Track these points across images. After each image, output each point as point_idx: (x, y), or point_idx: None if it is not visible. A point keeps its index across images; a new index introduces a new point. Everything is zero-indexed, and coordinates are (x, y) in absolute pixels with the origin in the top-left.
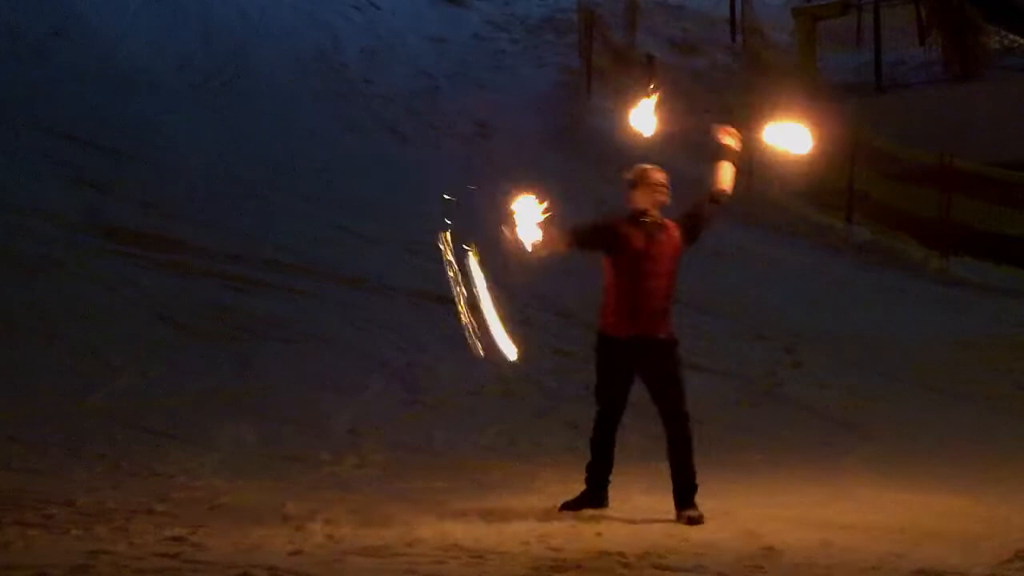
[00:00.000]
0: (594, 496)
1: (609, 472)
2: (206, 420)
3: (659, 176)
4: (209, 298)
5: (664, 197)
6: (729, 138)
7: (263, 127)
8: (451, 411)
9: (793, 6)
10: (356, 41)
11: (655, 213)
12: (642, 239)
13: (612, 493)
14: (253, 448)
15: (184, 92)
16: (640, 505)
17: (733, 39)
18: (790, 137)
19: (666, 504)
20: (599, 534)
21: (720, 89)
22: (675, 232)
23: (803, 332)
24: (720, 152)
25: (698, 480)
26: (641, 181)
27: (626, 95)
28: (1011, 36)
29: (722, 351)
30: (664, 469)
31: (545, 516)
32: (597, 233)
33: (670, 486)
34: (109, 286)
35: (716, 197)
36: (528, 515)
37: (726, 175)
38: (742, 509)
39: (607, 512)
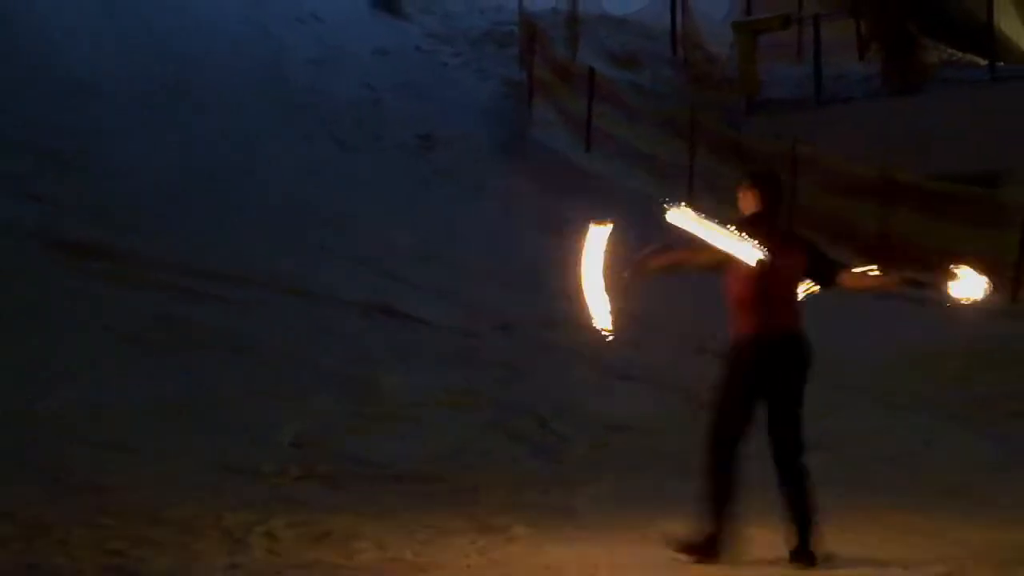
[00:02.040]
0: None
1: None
2: (150, 431)
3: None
4: (155, 308)
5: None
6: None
7: (211, 137)
8: (396, 423)
9: (734, 20)
10: (301, 53)
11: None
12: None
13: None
14: (196, 460)
15: (131, 102)
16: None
17: (674, 52)
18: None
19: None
20: (539, 548)
21: (661, 102)
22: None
23: None
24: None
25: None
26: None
27: (567, 109)
28: (950, 50)
29: (663, 363)
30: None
31: (487, 530)
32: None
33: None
34: (54, 296)
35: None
36: (472, 528)
37: (874, 277)
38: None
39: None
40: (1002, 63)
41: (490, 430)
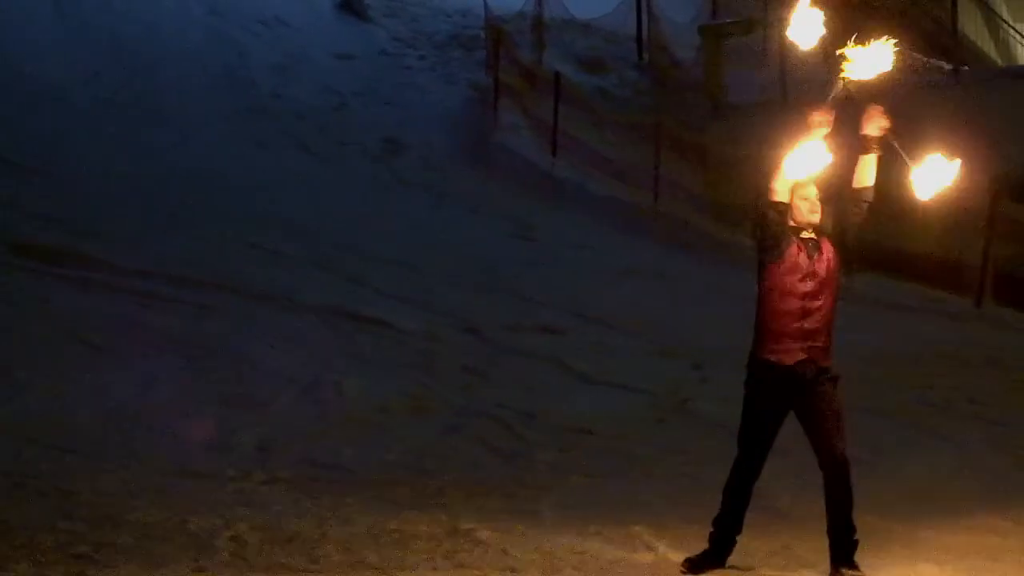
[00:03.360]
0: (715, 557)
1: (737, 532)
2: (112, 436)
3: (810, 190)
4: (116, 314)
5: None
6: (875, 126)
7: (171, 142)
8: (359, 428)
9: (700, 24)
10: (264, 58)
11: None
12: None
13: None
14: (160, 464)
15: (91, 107)
16: None
17: (640, 57)
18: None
19: None
20: (504, 551)
21: (626, 107)
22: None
23: (709, 348)
24: (864, 144)
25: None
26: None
27: (533, 113)
28: (914, 54)
29: (628, 367)
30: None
31: (452, 533)
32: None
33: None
34: (14, 301)
35: (858, 199)
36: (435, 533)
37: (867, 171)
38: (666, 523)
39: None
40: (966, 67)
41: (454, 434)
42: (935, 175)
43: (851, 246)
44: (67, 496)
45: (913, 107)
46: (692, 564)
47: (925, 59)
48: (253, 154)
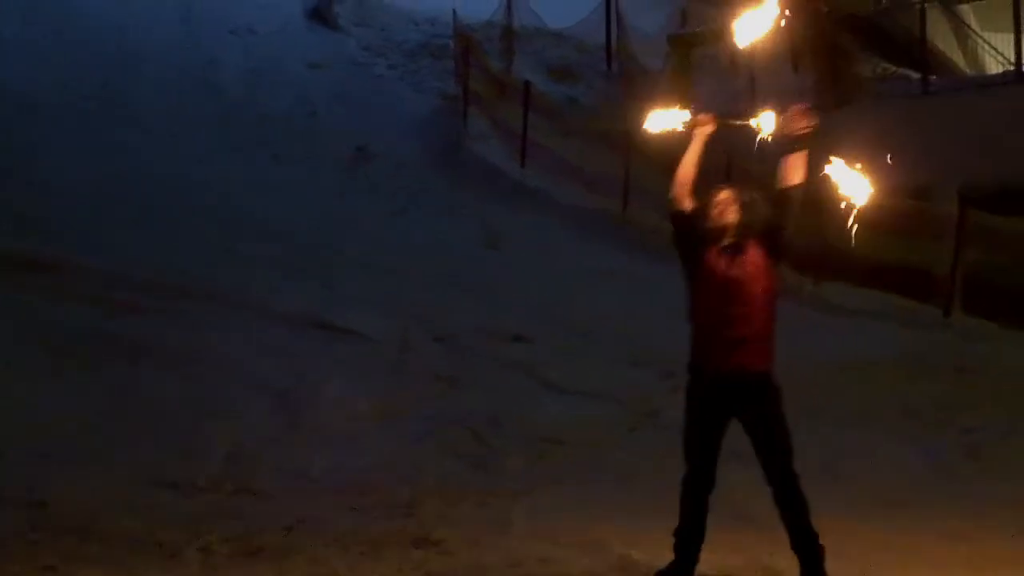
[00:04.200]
0: (681, 568)
1: (699, 540)
2: (83, 445)
3: (723, 195)
4: (87, 321)
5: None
6: (799, 124)
7: (142, 148)
8: (331, 436)
9: (668, 33)
10: (236, 65)
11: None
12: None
13: None
14: (130, 474)
15: (62, 113)
16: None
17: (609, 66)
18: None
19: None
20: (475, 560)
21: (596, 115)
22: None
23: (680, 357)
24: (793, 144)
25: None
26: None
27: (503, 122)
28: (884, 63)
29: (599, 375)
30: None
31: (422, 543)
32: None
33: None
34: None
35: (787, 197)
36: (406, 542)
37: (794, 169)
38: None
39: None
40: (935, 77)
41: (425, 443)
42: (852, 183)
43: (785, 245)
44: (36, 506)
45: (881, 116)
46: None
47: (894, 68)
48: (225, 161)
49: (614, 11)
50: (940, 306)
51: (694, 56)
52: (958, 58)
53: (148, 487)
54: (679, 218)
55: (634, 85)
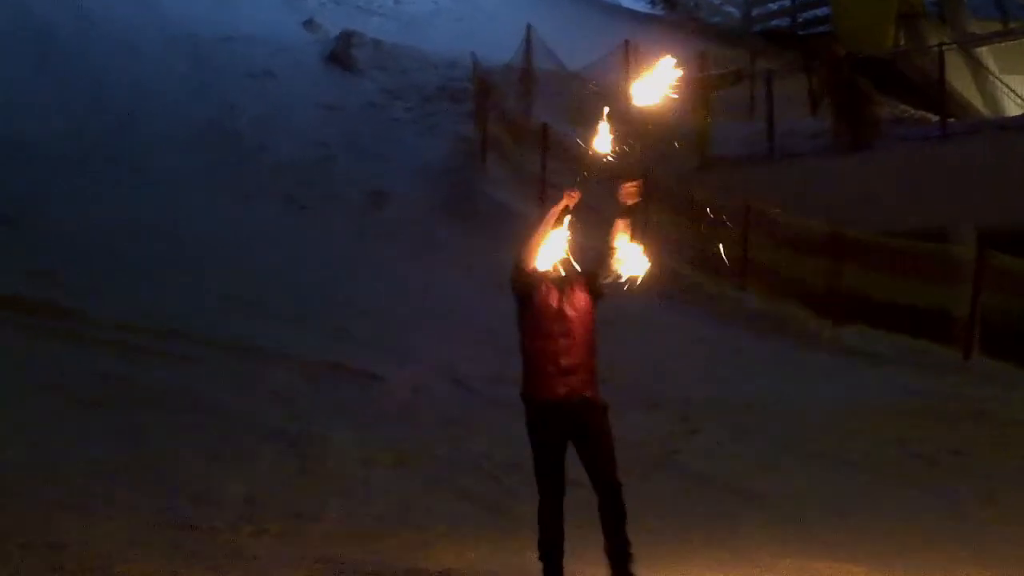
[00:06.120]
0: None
1: (559, 546)
2: (98, 490)
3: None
4: (100, 367)
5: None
6: (632, 197)
7: (155, 196)
8: (344, 480)
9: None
10: (250, 110)
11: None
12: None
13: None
14: (147, 517)
15: (74, 161)
16: None
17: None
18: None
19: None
20: None
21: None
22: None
23: (697, 400)
24: (624, 211)
25: (586, 548)
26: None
27: (521, 165)
28: (902, 106)
29: (616, 420)
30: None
31: None
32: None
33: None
34: (0, 356)
35: (610, 254)
36: None
37: (619, 231)
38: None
39: None
40: (953, 119)
41: (439, 486)
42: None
43: (599, 291)
44: (55, 549)
45: (899, 158)
46: None
47: (912, 110)
48: (237, 207)
49: (633, 52)
50: (959, 349)
51: (714, 98)
52: (976, 100)
53: (166, 529)
54: (523, 274)
55: (652, 127)
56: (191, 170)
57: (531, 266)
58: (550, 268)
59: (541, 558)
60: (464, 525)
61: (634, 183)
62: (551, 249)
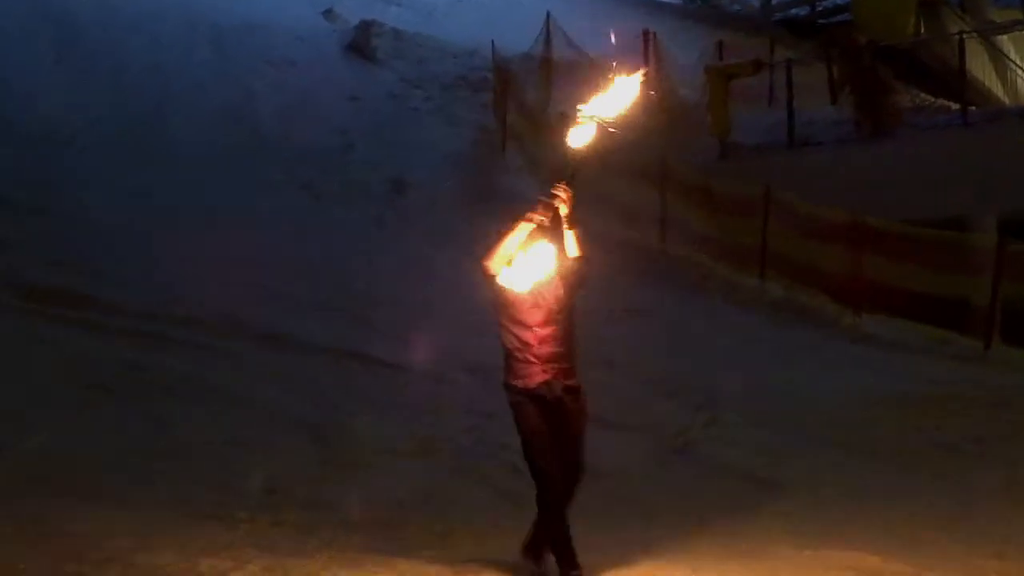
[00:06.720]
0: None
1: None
2: (119, 479)
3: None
4: (121, 356)
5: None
6: (561, 203)
7: (175, 185)
8: (366, 469)
9: (706, 64)
10: (270, 99)
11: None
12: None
13: None
14: (167, 507)
15: (96, 149)
16: None
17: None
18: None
19: None
20: None
21: (633, 147)
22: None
23: (716, 389)
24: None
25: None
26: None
27: (539, 154)
28: (922, 95)
29: (635, 408)
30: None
31: (458, 574)
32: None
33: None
34: (19, 344)
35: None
36: (442, 573)
37: (570, 244)
38: (663, 564)
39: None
40: (974, 108)
41: (460, 476)
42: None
43: (573, 294)
44: (75, 539)
45: (920, 147)
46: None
47: (933, 99)
48: (258, 194)
49: (652, 41)
50: (979, 337)
51: (731, 87)
52: (997, 89)
53: (186, 519)
54: (492, 279)
55: (671, 116)
56: (213, 158)
57: (495, 273)
58: (524, 287)
59: (554, 546)
60: (485, 514)
61: (544, 201)
62: (525, 267)
